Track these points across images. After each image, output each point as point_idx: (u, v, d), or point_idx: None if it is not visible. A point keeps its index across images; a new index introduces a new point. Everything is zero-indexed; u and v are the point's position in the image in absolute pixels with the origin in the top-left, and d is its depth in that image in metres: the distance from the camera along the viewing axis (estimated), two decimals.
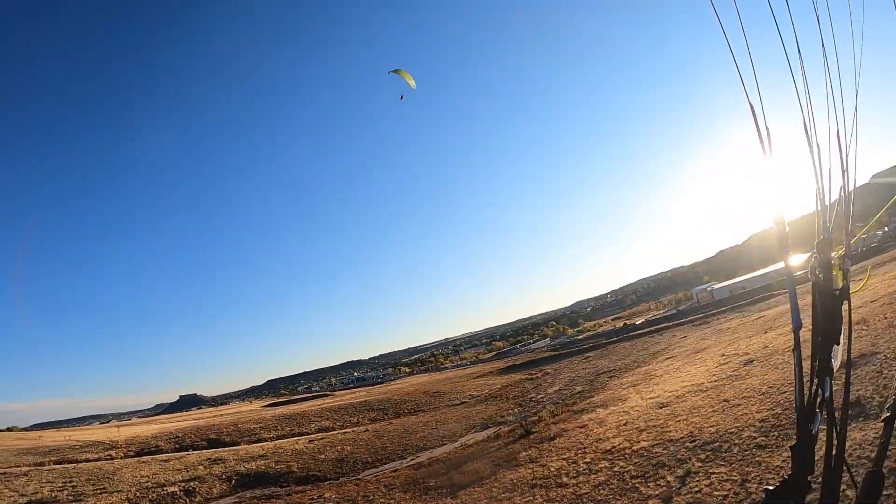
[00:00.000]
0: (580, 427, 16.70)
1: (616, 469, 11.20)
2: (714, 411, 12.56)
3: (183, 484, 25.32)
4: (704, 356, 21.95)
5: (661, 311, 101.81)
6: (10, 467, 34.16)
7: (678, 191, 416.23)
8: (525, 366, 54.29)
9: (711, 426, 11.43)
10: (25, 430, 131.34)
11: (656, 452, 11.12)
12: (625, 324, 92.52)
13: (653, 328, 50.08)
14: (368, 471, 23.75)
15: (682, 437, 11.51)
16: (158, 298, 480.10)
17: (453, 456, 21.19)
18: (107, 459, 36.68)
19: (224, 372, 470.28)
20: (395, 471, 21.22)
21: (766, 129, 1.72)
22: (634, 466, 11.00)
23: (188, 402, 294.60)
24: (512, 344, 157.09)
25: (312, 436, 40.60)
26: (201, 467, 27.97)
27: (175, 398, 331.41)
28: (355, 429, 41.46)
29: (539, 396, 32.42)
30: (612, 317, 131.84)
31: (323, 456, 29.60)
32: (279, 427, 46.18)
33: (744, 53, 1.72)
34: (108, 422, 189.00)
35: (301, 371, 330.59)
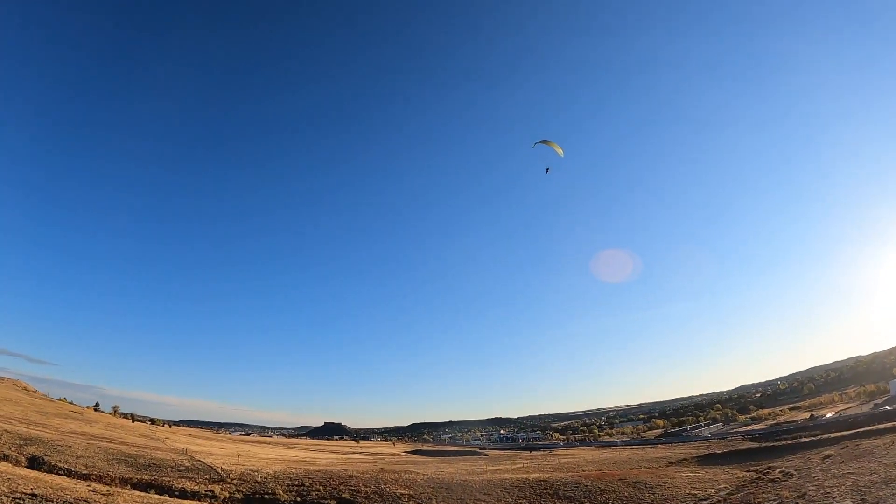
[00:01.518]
0: None
1: None
2: None
3: None
4: None
5: (850, 405, 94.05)
6: (85, 475, 24.51)
7: (857, 274, 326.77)
8: (732, 458, 45.93)
9: None
10: (171, 423, 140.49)
11: None
12: (811, 415, 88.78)
13: (882, 426, 42.44)
14: None
15: None
16: (328, 329, 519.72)
17: None
18: (205, 498, 25.40)
19: (371, 407, 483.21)
20: None
21: None
22: None
23: (332, 430, 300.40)
24: (675, 424, 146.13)
25: None
26: None
27: (320, 423, 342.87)
28: None
29: None
30: (789, 406, 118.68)
31: None
32: (434, 501, 31.43)
33: None
34: (249, 433, 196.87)
35: (447, 420, 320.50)
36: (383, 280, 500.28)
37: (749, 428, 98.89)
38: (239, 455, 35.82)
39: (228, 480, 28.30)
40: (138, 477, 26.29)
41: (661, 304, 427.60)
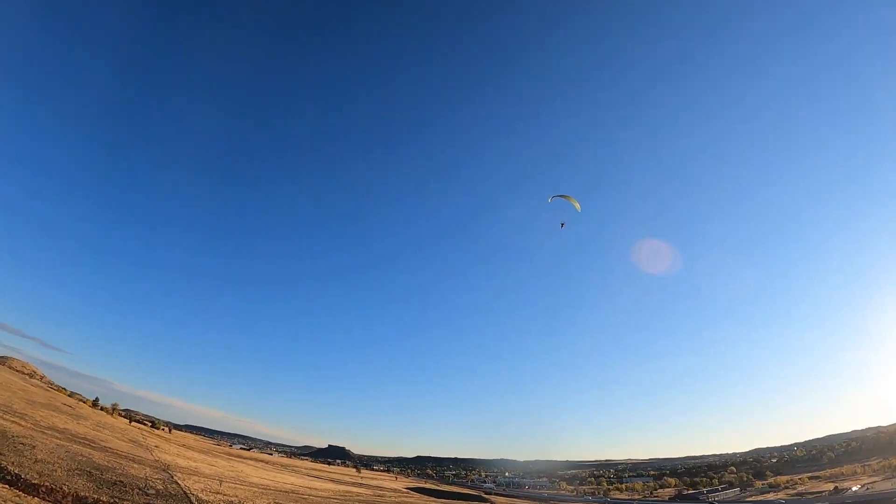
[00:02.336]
0: None
1: None
2: None
3: None
4: None
5: (876, 478, 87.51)
6: (34, 486, 20.66)
7: (879, 343, 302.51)
8: None
9: None
10: (174, 426, 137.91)
11: None
12: (836, 487, 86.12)
13: None
14: None
15: None
16: (347, 352, 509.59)
17: None
18: None
19: (377, 434, 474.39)
20: None
21: None
22: None
23: (335, 453, 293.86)
24: (689, 485, 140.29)
25: None
26: None
27: (324, 445, 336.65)
28: None
29: None
30: (808, 474, 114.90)
31: None
32: None
33: None
34: (250, 448, 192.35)
35: (452, 455, 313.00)
36: (410, 310, 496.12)
37: (771, 497, 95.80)
38: (222, 483, 31.60)
39: None
40: (95, 497, 22.28)
41: (670, 358, 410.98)
